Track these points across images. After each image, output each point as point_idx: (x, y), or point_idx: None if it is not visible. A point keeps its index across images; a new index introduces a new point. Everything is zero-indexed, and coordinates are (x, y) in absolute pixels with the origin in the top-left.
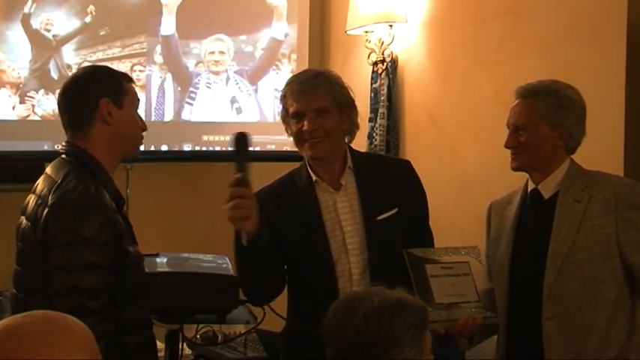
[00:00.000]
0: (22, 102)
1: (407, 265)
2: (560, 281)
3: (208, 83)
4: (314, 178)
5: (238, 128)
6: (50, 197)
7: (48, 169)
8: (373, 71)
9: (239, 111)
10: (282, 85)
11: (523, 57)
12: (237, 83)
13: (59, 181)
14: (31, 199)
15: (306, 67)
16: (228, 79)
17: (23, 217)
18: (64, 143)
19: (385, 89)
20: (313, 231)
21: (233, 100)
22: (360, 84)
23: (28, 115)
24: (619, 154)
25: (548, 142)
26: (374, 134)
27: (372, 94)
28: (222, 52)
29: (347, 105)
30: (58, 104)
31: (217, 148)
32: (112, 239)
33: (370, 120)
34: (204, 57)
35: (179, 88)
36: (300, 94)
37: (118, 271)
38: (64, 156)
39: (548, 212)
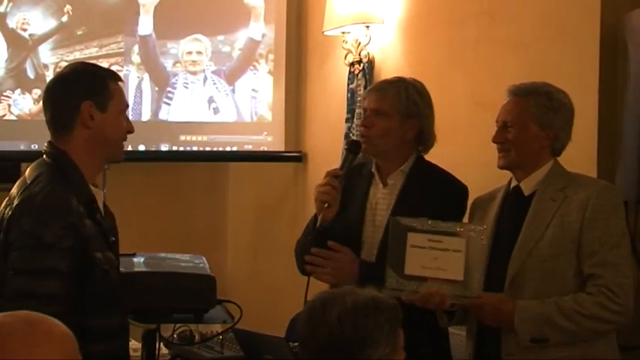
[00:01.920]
0: None
1: (388, 232)
2: (523, 274)
3: (186, 83)
4: (372, 169)
5: (215, 128)
6: (16, 198)
7: (27, 170)
8: (350, 72)
9: (216, 111)
10: (259, 86)
11: (498, 58)
12: (214, 83)
13: (28, 183)
14: (5, 201)
15: (283, 67)
16: (205, 79)
17: None
18: (46, 143)
19: (362, 90)
20: (353, 216)
21: (210, 100)
22: (336, 84)
23: (4, 115)
24: (592, 155)
25: (535, 142)
26: (350, 134)
27: (349, 95)
28: (199, 52)
29: (412, 115)
30: (43, 101)
31: (195, 148)
32: (76, 245)
33: (347, 120)
34: (181, 57)
35: (156, 88)
36: (370, 93)
37: (82, 277)
38: (44, 156)
39: (525, 208)
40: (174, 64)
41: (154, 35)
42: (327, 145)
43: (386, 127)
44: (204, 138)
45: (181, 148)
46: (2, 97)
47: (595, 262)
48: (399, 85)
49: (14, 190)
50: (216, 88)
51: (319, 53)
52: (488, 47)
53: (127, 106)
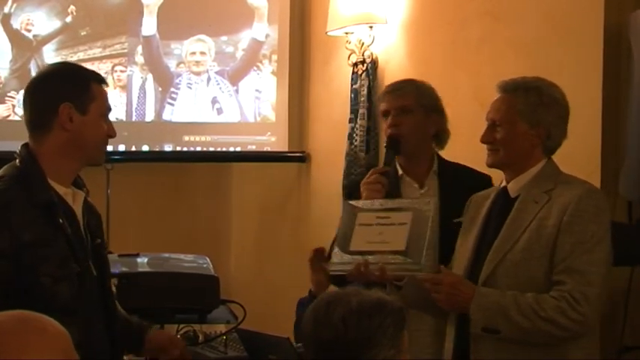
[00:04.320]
0: (1, 102)
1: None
2: (495, 277)
3: (189, 84)
4: (400, 172)
5: (219, 128)
6: None
7: None
8: (353, 72)
9: (220, 111)
10: (262, 86)
11: (501, 58)
12: (218, 84)
13: None
14: None
15: (287, 68)
16: (209, 79)
17: None
18: (20, 146)
19: (365, 90)
20: None
21: (214, 101)
22: (340, 85)
23: (8, 116)
24: (596, 154)
25: (525, 140)
26: (354, 135)
27: (352, 95)
28: (203, 53)
29: (434, 109)
30: (23, 100)
31: (198, 149)
32: (9, 249)
33: (350, 121)
34: (185, 57)
35: (160, 89)
36: (386, 94)
37: (8, 283)
38: (16, 160)
39: (510, 210)
40: (177, 65)
41: (157, 36)
42: (331, 146)
43: (413, 122)
44: (208, 138)
45: (185, 149)
46: (6, 98)
47: (562, 268)
48: (414, 82)
49: None
50: (220, 88)
51: (323, 54)
52: (492, 47)
53: (110, 109)
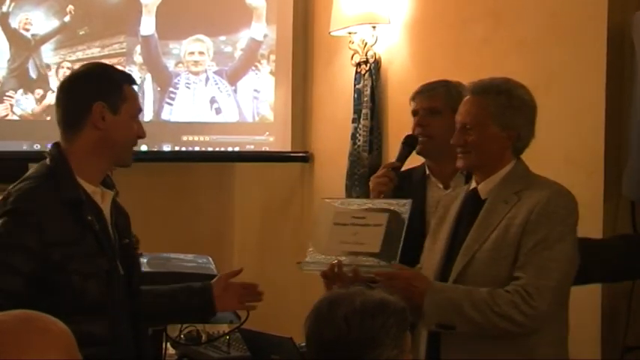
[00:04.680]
0: (0, 102)
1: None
2: (464, 277)
3: (188, 83)
4: (427, 172)
5: (217, 128)
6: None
7: None
8: (356, 72)
9: (218, 111)
10: (261, 86)
11: (504, 58)
12: (216, 83)
13: (16, 182)
14: None
15: (286, 68)
16: (207, 79)
17: None
18: (51, 144)
19: (368, 90)
20: (415, 218)
21: (212, 101)
22: (343, 85)
23: (6, 115)
24: (599, 155)
25: (496, 143)
26: (357, 135)
27: (356, 95)
28: (201, 53)
29: None
30: (55, 99)
31: (197, 149)
32: (38, 245)
33: (353, 121)
34: (183, 57)
35: (158, 89)
36: (417, 94)
37: (46, 279)
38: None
39: (480, 212)
40: (176, 65)
41: (156, 35)
42: (334, 146)
43: (441, 124)
44: (207, 138)
45: (183, 149)
46: (4, 97)
47: (521, 264)
48: (447, 84)
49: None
50: (218, 88)
51: (326, 53)
52: (494, 48)
53: (140, 110)
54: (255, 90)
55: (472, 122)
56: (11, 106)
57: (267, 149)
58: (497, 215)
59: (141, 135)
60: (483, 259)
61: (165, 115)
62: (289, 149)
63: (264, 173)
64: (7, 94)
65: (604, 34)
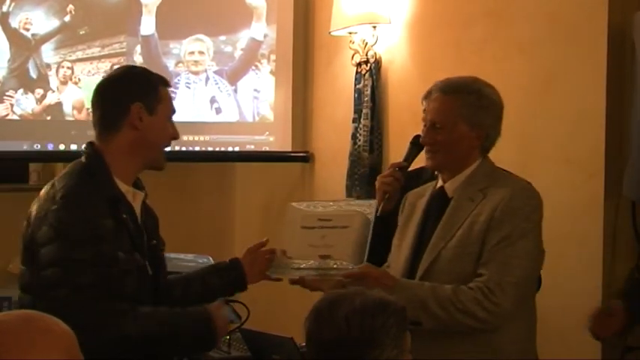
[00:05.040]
0: (0, 102)
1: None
2: (430, 275)
3: (188, 83)
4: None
5: (217, 128)
6: (42, 196)
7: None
8: (357, 72)
9: (218, 111)
10: (261, 86)
11: (505, 58)
12: (216, 83)
13: (55, 181)
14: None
15: (287, 67)
16: (207, 79)
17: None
18: (85, 144)
19: (369, 90)
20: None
21: (212, 100)
22: (343, 85)
23: (6, 115)
24: (600, 155)
25: (465, 143)
26: (357, 135)
27: (356, 95)
28: (201, 53)
29: None
30: (92, 101)
31: (197, 148)
32: (95, 238)
33: (354, 121)
34: (183, 57)
35: None
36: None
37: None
38: (82, 157)
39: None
40: (176, 64)
41: (156, 35)
42: (334, 146)
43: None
44: (207, 138)
45: (183, 148)
46: (5, 97)
47: (484, 260)
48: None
49: (43, 189)
50: (218, 88)
51: (326, 53)
52: (495, 47)
53: (174, 111)
54: (256, 90)
55: (442, 121)
56: (11, 105)
57: (268, 149)
58: (463, 213)
59: (175, 136)
60: (449, 256)
61: None
62: (289, 149)
63: (265, 173)
64: (7, 93)
65: (604, 34)
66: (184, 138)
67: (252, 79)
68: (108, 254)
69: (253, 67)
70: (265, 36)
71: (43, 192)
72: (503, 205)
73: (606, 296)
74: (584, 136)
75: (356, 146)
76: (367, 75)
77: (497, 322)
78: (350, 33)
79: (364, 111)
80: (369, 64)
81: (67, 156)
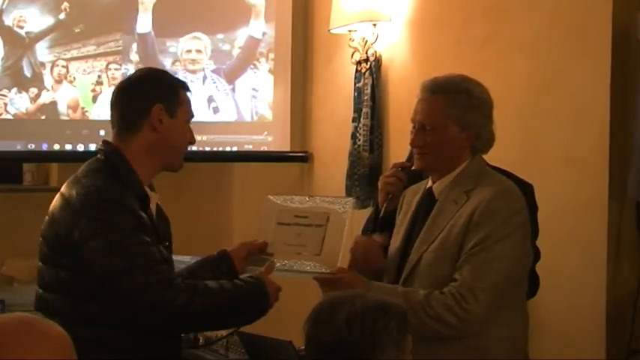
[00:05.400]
0: None
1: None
2: (412, 278)
3: None
4: None
5: (215, 128)
6: (70, 195)
7: (80, 168)
8: (357, 70)
9: (216, 110)
10: (259, 85)
11: (507, 57)
12: (214, 82)
13: (82, 179)
14: (56, 198)
15: (285, 66)
16: (205, 77)
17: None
18: (101, 143)
19: (369, 88)
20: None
21: (210, 100)
22: (343, 83)
23: (0, 114)
24: (604, 154)
25: (455, 144)
26: (357, 134)
27: (356, 94)
28: (199, 51)
29: None
30: (111, 101)
31: (194, 148)
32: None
33: (354, 120)
34: (180, 55)
35: None
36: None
37: None
38: (98, 155)
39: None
40: (173, 63)
41: (152, 33)
42: (334, 145)
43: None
44: (204, 138)
45: None
46: None
47: (459, 265)
48: None
49: (65, 189)
50: (216, 87)
51: (325, 51)
52: (497, 46)
53: (193, 116)
54: (254, 89)
55: (432, 123)
56: (5, 105)
57: (266, 149)
58: (446, 216)
59: (192, 141)
60: (430, 259)
61: None
62: (288, 149)
63: (263, 173)
64: (0, 92)
65: (609, 33)
66: None
67: (250, 78)
68: (152, 242)
69: (251, 66)
70: (264, 34)
71: (65, 190)
72: (482, 207)
73: (610, 299)
74: (588, 136)
75: (356, 146)
76: (367, 73)
77: (468, 328)
78: (350, 31)
79: (364, 110)
80: (369, 63)
81: (62, 156)
